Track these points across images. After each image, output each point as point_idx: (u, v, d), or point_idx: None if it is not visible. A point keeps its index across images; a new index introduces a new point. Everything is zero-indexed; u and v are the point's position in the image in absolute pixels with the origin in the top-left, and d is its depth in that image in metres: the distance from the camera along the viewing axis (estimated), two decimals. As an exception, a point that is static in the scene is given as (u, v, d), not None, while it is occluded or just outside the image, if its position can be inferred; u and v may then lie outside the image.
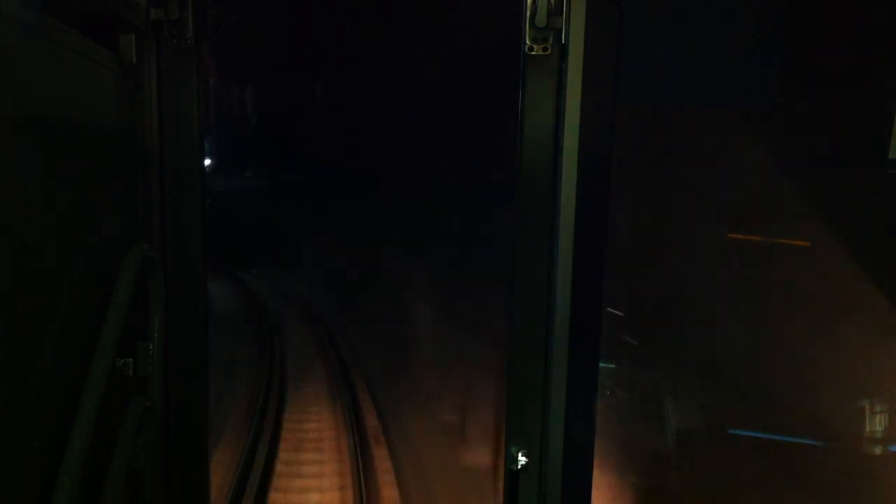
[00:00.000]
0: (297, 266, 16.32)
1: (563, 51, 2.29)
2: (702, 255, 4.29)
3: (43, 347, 1.68)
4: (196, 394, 2.53)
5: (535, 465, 2.47)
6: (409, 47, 12.91)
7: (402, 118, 13.75)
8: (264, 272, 16.66)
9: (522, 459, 2.44)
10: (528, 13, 2.28)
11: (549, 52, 2.30)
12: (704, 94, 2.49)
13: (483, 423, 5.76)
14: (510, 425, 2.50)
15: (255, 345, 11.40)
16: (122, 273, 2.03)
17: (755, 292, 4.08)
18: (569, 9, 2.24)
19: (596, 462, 2.47)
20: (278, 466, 7.19)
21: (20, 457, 1.59)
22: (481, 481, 5.29)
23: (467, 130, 10.27)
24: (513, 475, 2.46)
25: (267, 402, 8.76)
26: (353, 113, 16.77)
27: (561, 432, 2.40)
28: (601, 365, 2.48)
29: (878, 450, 3.83)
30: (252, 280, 16.06)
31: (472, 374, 6.97)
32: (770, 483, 3.96)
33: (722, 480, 4.13)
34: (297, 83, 18.54)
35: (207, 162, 2.68)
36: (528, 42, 2.30)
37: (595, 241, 2.36)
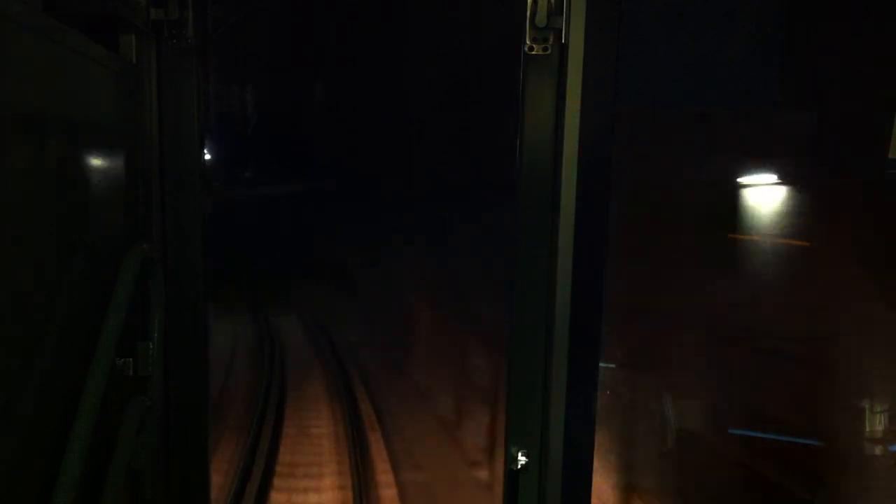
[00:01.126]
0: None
1: (563, 51, 2.28)
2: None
3: (43, 347, 1.68)
4: (196, 394, 2.53)
5: (535, 465, 2.46)
6: (409, 47, 12.91)
7: (402, 118, 13.75)
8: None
9: (522, 459, 2.44)
10: (528, 13, 2.28)
11: (549, 52, 2.30)
12: (704, 94, 2.49)
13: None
14: (510, 425, 2.49)
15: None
16: (122, 273, 2.03)
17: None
18: (569, 9, 2.24)
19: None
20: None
21: (20, 457, 1.59)
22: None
23: (467, 130, 10.26)
24: (513, 475, 2.46)
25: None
26: (353, 113, 16.77)
27: (561, 432, 2.40)
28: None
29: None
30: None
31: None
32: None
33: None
34: (297, 83, 18.54)
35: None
36: (528, 42, 2.30)
37: (595, 242, 2.35)
